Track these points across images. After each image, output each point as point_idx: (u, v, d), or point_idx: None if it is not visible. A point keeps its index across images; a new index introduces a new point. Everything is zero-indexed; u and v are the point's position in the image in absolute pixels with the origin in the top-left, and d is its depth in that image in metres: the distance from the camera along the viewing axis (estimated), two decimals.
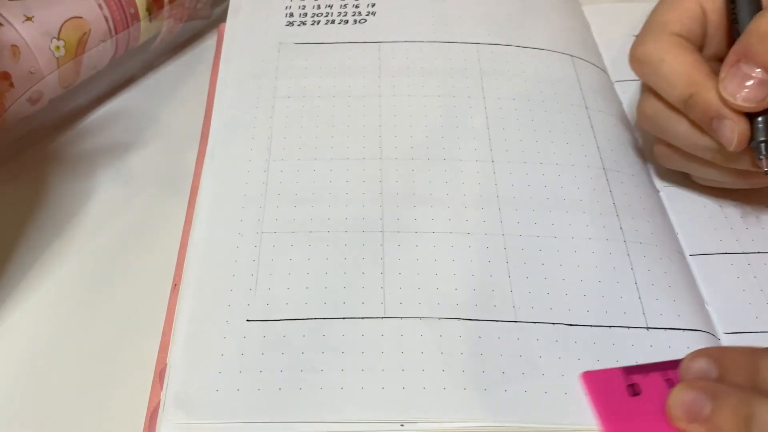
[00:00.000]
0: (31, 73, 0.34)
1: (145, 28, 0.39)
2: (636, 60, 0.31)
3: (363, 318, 0.27)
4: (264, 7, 0.39)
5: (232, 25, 0.39)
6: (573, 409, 0.25)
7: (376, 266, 0.29)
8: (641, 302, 0.28)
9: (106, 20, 0.37)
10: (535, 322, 0.27)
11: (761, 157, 0.28)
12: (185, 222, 0.33)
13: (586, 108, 0.35)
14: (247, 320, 0.27)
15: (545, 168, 0.32)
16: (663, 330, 0.27)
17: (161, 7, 0.39)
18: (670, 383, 0.25)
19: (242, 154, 0.32)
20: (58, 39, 0.35)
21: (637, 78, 0.38)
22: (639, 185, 0.33)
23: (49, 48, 0.35)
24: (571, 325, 0.27)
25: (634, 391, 0.25)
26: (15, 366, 0.29)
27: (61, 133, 0.38)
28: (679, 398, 0.24)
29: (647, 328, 0.27)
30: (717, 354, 0.24)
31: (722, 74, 0.28)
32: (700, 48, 0.31)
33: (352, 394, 0.25)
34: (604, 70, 0.39)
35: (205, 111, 0.38)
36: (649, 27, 0.32)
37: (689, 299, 0.29)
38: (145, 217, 0.34)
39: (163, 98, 0.40)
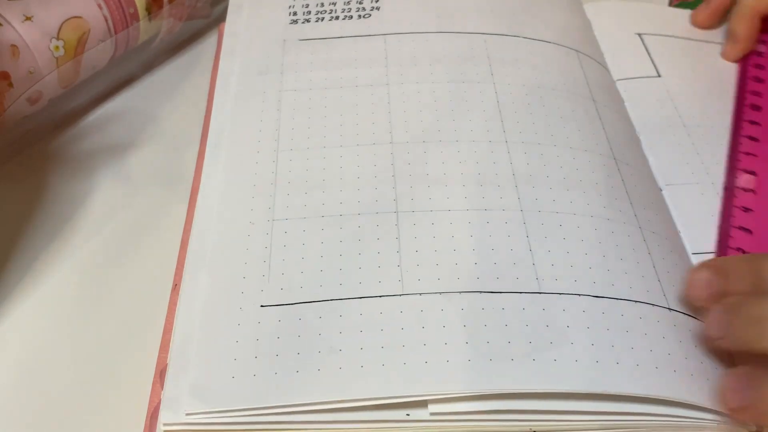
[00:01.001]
0: (31, 72, 0.34)
1: (144, 27, 0.39)
2: None
3: (381, 296, 0.27)
4: (265, 7, 0.39)
5: (232, 23, 0.39)
6: (605, 377, 0.25)
7: (391, 245, 0.28)
8: (660, 284, 0.28)
9: (106, 20, 0.37)
10: (560, 293, 0.27)
11: None
12: (185, 222, 0.33)
13: (594, 101, 0.35)
14: (261, 306, 0.27)
15: (559, 150, 0.32)
16: (682, 314, 0.27)
17: (161, 6, 0.39)
18: None
19: (249, 146, 0.32)
20: (58, 39, 0.35)
21: (635, 77, 0.38)
22: (646, 180, 0.33)
23: (49, 48, 0.35)
24: (597, 296, 0.27)
25: None
26: (15, 366, 0.29)
27: (60, 133, 0.38)
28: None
29: (669, 308, 0.27)
30: (719, 264, 0.26)
31: None
32: None
33: (372, 371, 0.25)
34: (606, 68, 0.39)
35: (206, 111, 0.38)
36: None
37: None
38: (144, 217, 0.34)
39: (163, 98, 0.40)
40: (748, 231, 0.30)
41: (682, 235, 0.31)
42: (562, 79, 0.36)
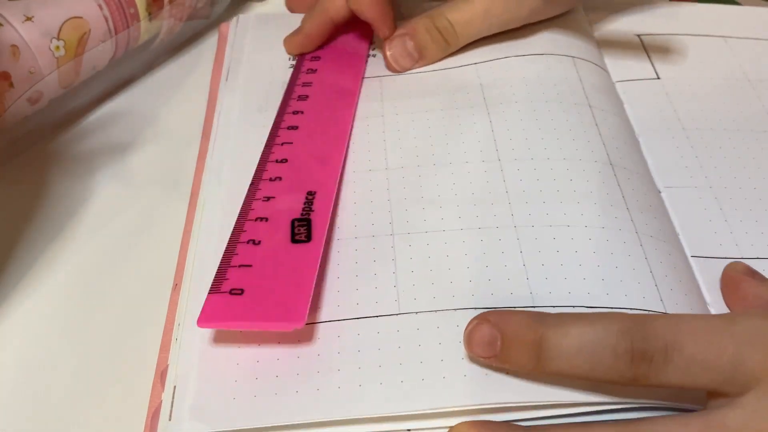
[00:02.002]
0: (31, 73, 0.34)
1: (145, 28, 0.39)
2: None
3: (377, 316, 0.27)
4: (265, 53, 0.40)
5: (231, 65, 0.40)
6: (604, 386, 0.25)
7: (387, 267, 0.29)
8: (658, 289, 0.28)
9: (106, 20, 0.37)
10: (554, 306, 0.27)
11: None
12: (186, 222, 0.33)
13: (590, 106, 0.35)
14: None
15: (553, 163, 0.32)
16: None
17: (161, 7, 0.39)
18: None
19: (249, 177, 0.33)
20: (58, 39, 0.35)
21: (637, 78, 0.37)
22: (644, 183, 0.33)
23: (49, 48, 0.35)
24: (591, 307, 0.27)
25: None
26: (15, 366, 0.29)
27: (61, 133, 0.38)
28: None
29: (665, 313, 0.27)
30: (501, 322, 0.25)
31: None
32: None
33: (370, 390, 0.25)
34: (605, 70, 0.39)
35: (206, 111, 0.38)
36: None
37: (697, 296, 0.29)
38: (144, 217, 0.34)
39: (163, 98, 0.40)
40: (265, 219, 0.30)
41: (680, 237, 0.32)
42: (555, 89, 0.36)
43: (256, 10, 0.46)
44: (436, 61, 0.38)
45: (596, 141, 0.34)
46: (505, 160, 0.33)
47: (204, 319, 0.26)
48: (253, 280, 0.27)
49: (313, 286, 0.27)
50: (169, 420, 0.25)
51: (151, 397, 0.27)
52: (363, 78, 0.38)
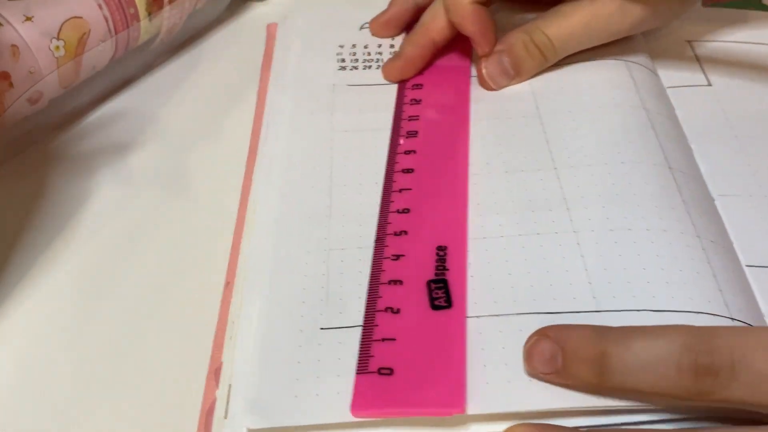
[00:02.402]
0: (31, 73, 0.34)
1: (145, 28, 0.39)
2: None
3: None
4: (315, 54, 0.41)
5: (280, 65, 0.40)
6: None
7: None
8: (722, 294, 0.27)
9: (106, 20, 0.37)
10: (618, 310, 0.27)
11: None
12: (237, 220, 0.33)
13: (645, 110, 0.35)
14: (321, 328, 0.27)
15: (610, 167, 0.32)
16: (746, 324, 0.27)
17: (161, 6, 0.39)
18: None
19: (304, 182, 0.33)
20: (58, 39, 0.35)
21: (689, 84, 0.36)
22: (701, 188, 0.33)
23: (49, 48, 0.35)
24: (657, 311, 0.27)
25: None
26: (13, 366, 0.29)
27: (61, 133, 0.38)
28: None
29: (731, 318, 0.27)
30: (562, 337, 0.24)
31: None
32: None
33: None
34: (657, 75, 0.39)
35: (255, 109, 0.38)
36: None
37: (756, 305, 0.29)
38: (144, 218, 0.34)
39: (163, 98, 0.40)
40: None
41: (735, 246, 0.31)
42: (610, 95, 0.36)
43: (258, 9, 0.46)
44: (531, 77, 0.37)
45: (653, 144, 0.33)
46: (561, 167, 0.32)
47: (358, 407, 0.25)
48: (400, 357, 0.26)
49: (466, 360, 0.26)
50: (225, 417, 0.25)
51: (204, 394, 0.27)
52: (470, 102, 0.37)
